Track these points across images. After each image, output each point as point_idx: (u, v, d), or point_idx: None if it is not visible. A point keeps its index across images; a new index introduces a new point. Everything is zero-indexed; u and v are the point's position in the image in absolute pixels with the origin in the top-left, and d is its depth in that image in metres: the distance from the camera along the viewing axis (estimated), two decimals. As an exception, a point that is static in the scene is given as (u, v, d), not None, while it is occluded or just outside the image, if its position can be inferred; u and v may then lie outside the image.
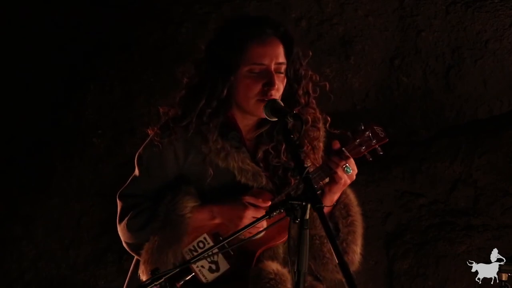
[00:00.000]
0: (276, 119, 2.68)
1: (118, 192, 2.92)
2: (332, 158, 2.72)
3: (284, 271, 2.73)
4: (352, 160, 2.73)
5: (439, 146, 4.60)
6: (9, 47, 5.25)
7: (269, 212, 2.34)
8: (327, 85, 2.93)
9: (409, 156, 4.63)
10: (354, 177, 2.76)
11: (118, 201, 2.91)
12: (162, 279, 2.35)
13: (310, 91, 2.88)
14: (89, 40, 5.12)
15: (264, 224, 2.65)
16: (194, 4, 5.03)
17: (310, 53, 2.92)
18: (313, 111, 2.88)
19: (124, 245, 2.92)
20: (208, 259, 2.78)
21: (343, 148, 2.71)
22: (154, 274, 2.37)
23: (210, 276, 2.81)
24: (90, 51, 5.11)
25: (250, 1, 4.96)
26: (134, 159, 2.93)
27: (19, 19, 5.26)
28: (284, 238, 2.79)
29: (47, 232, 4.95)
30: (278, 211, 2.30)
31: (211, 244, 2.80)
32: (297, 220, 2.23)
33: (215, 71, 2.78)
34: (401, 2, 4.97)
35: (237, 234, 2.43)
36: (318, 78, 2.91)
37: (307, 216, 2.24)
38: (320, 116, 2.90)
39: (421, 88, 4.94)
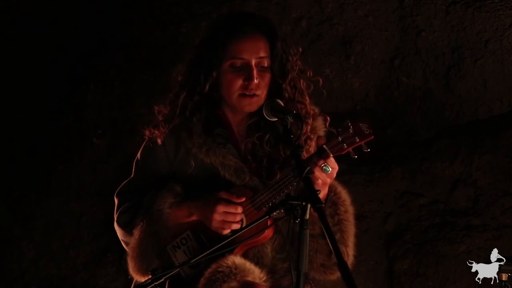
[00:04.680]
0: (276, 119, 2.68)
1: (116, 191, 2.97)
2: (311, 157, 2.69)
3: (244, 263, 2.69)
4: (331, 159, 2.66)
5: (439, 146, 4.60)
6: (9, 47, 5.25)
7: (269, 212, 2.34)
8: (320, 80, 2.92)
9: (409, 156, 4.62)
10: (334, 175, 2.70)
11: (115, 199, 2.96)
12: (162, 279, 2.36)
13: (301, 86, 2.88)
14: (89, 40, 5.12)
15: (236, 219, 2.71)
16: (194, 4, 5.03)
17: (300, 49, 2.92)
18: (302, 106, 2.86)
19: (122, 243, 2.95)
20: (189, 255, 2.78)
21: (324, 146, 2.66)
22: (154, 274, 2.37)
23: (189, 271, 2.80)
24: (90, 51, 5.12)
25: (250, 1, 4.96)
26: (134, 159, 2.98)
27: (19, 19, 5.26)
28: (262, 236, 2.74)
29: (47, 232, 4.95)
30: (278, 211, 2.30)
31: (193, 241, 2.80)
32: (297, 220, 2.23)
33: (199, 67, 2.83)
34: (401, 2, 4.97)
35: (228, 240, 2.44)
36: (311, 74, 2.91)
37: (307, 216, 2.24)
38: (310, 111, 2.87)
39: (421, 88, 4.93)
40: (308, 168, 2.35)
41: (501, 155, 4.43)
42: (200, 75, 2.82)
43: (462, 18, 4.92)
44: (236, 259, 2.69)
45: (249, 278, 2.66)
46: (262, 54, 2.80)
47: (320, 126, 2.91)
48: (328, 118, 2.91)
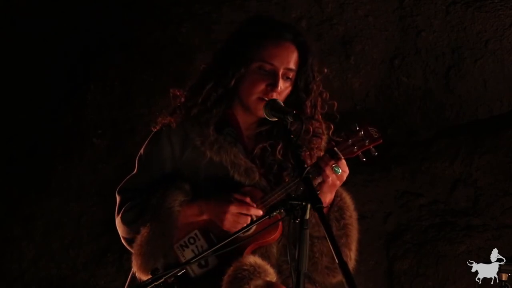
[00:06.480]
0: (276, 119, 2.68)
1: (117, 188, 2.95)
2: (323, 157, 2.73)
3: (264, 264, 2.71)
4: (343, 161, 2.72)
5: (439, 146, 4.60)
6: (9, 47, 5.25)
7: (269, 212, 2.34)
8: (335, 105, 2.96)
9: (409, 156, 4.63)
10: (344, 178, 2.75)
11: (116, 196, 2.95)
12: (162, 279, 2.35)
13: (318, 106, 2.92)
14: (89, 40, 5.12)
15: (248, 220, 2.71)
16: (194, 4, 5.03)
17: (325, 70, 2.97)
18: (318, 124, 2.91)
19: (122, 240, 2.94)
20: (198, 254, 2.78)
21: (335, 148, 2.71)
22: (154, 274, 2.37)
23: (199, 271, 2.81)
24: (90, 51, 5.12)
25: (250, 1, 4.96)
26: (135, 158, 2.97)
27: (19, 19, 5.27)
28: (272, 236, 2.78)
29: (47, 232, 4.95)
30: (278, 211, 2.30)
31: (202, 240, 2.81)
32: (297, 220, 2.23)
33: (228, 61, 2.84)
34: (401, 2, 4.97)
35: (233, 237, 2.43)
36: (328, 96, 2.95)
37: (307, 216, 2.24)
38: (324, 130, 2.92)
39: (421, 88, 4.94)
40: (308, 168, 2.36)
41: (501, 155, 4.43)
42: (228, 68, 2.83)
43: (462, 18, 4.92)
44: (257, 259, 2.71)
45: (268, 278, 2.68)
46: (291, 66, 2.84)
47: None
48: (332, 126, 2.95)
